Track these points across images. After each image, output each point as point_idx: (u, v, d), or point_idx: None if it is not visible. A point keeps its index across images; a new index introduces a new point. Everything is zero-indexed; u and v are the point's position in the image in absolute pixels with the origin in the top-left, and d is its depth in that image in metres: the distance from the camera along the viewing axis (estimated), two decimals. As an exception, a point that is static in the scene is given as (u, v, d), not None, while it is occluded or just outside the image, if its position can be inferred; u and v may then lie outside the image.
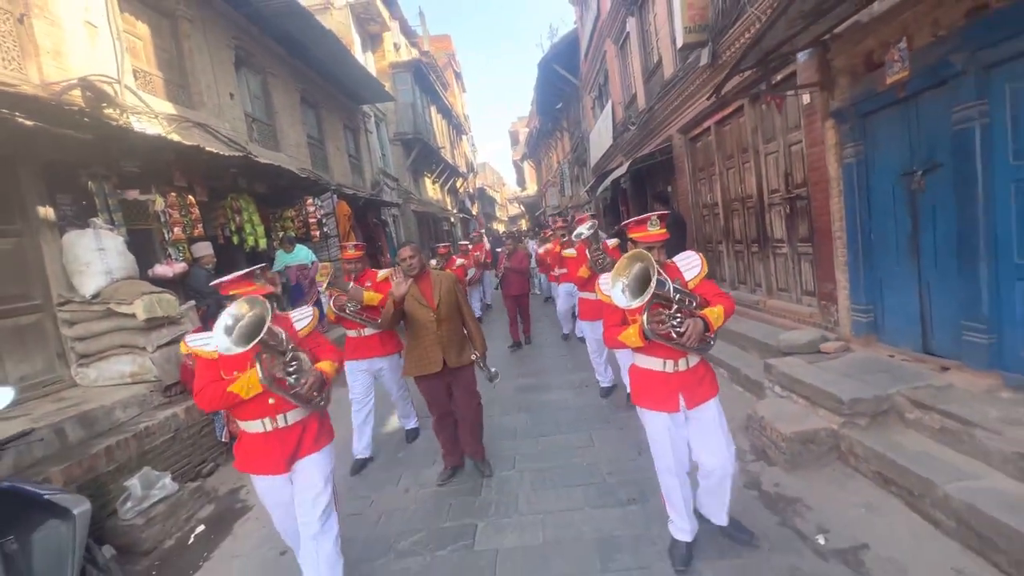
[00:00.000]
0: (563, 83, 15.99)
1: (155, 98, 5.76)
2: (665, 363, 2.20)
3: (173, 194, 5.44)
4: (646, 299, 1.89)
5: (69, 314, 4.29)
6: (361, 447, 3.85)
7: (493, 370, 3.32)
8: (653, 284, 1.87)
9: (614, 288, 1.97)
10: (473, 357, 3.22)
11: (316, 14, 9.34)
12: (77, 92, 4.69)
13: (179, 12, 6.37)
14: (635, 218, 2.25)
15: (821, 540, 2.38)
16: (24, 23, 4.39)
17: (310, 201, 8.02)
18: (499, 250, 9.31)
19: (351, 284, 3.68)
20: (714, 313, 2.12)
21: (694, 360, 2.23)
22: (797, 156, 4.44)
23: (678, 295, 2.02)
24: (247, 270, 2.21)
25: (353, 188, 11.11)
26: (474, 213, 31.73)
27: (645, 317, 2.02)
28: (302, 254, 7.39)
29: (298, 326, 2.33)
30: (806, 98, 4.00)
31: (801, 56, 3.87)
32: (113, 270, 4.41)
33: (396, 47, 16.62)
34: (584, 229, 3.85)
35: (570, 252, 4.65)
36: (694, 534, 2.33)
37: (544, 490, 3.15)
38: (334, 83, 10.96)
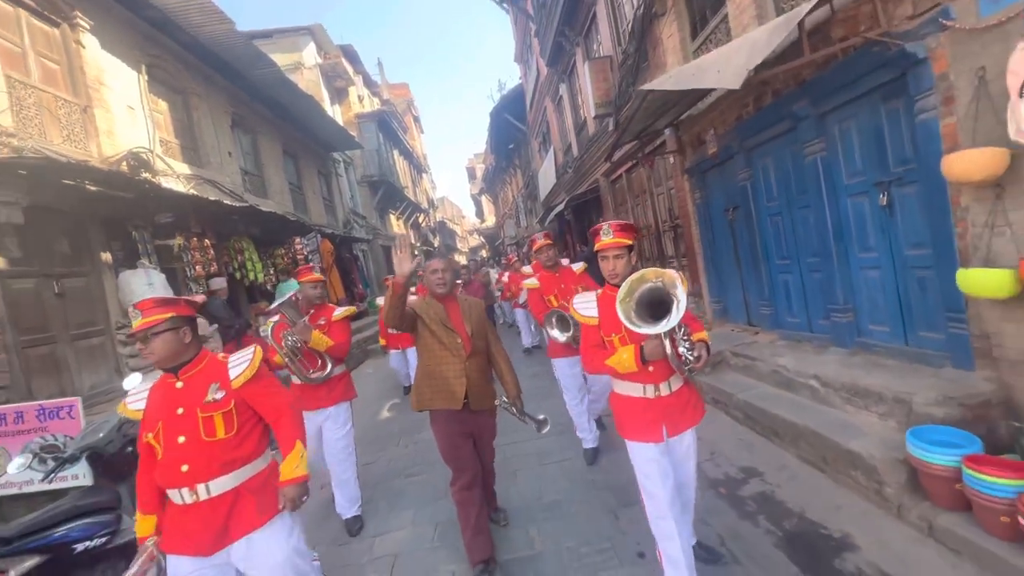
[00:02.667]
0: (513, 128, 18.02)
1: (175, 160, 7.02)
2: (646, 388, 2.02)
3: (194, 238, 6.67)
4: (674, 322, 1.74)
5: (124, 336, 5.41)
6: (347, 503, 3.22)
7: (541, 417, 2.67)
8: (682, 301, 1.72)
9: (625, 316, 1.82)
10: (498, 402, 2.66)
11: (288, 73, 10.73)
12: (121, 161, 5.94)
13: (189, 89, 7.70)
14: (596, 227, 2.17)
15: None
16: (87, 112, 5.64)
17: (297, 240, 9.30)
18: (457, 281, 10.65)
19: (304, 319, 3.08)
20: (704, 336, 2.06)
21: (677, 383, 2.05)
22: (674, 198, 6.25)
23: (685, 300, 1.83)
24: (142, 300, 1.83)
25: (328, 227, 12.40)
26: (436, 245, 33.18)
27: (662, 341, 1.87)
28: (293, 286, 8.62)
29: (233, 373, 1.87)
30: (672, 159, 5.83)
31: (667, 131, 5.70)
32: (159, 300, 5.58)
33: (360, 99, 18.26)
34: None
35: (531, 283, 3.82)
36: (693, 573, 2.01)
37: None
38: (309, 136, 12.38)
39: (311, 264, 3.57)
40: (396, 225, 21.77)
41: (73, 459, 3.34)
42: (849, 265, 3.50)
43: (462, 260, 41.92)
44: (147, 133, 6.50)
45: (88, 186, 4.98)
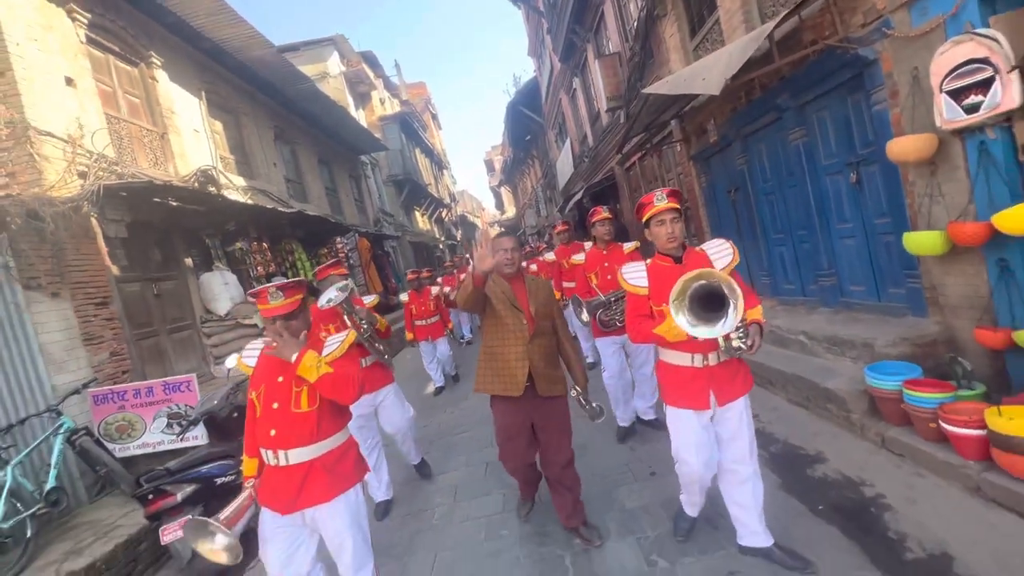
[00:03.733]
0: (530, 120, 18.54)
1: (232, 175, 7.90)
2: (694, 357, 2.01)
3: (254, 243, 7.56)
4: (731, 325, 1.70)
5: (208, 328, 6.33)
6: (382, 489, 3.38)
7: (596, 405, 2.62)
8: (740, 304, 1.67)
9: (679, 317, 1.77)
10: (573, 393, 2.59)
11: (316, 83, 11.49)
12: (192, 179, 6.83)
13: (240, 109, 8.58)
14: (646, 197, 2.15)
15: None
16: (164, 138, 6.54)
17: (338, 240, 10.17)
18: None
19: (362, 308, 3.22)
20: (759, 314, 2.01)
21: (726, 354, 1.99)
22: (682, 182, 6.77)
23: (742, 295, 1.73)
24: (264, 287, 2.00)
25: (362, 226, 13.27)
26: (458, 238, 34.06)
27: (728, 338, 1.87)
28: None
29: (326, 351, 2.03)
30: (678, 147, 6.35)
31: (672, 122, 6.22)
32: (234, 297, 6.49)
33: (382, 102, 19.08)
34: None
35: (578, 258, 4.00)
36: (698, 510, 2.36)
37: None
38: (340, 142, 13.23)
39: (333, 260, 3.64)
40: (421, 221, 22.64)
41: (195, 422, 4.20)
42: (831, 235, 4.03)
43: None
44: (210, 152, 7.39)
45: (171, 202, 5.86)
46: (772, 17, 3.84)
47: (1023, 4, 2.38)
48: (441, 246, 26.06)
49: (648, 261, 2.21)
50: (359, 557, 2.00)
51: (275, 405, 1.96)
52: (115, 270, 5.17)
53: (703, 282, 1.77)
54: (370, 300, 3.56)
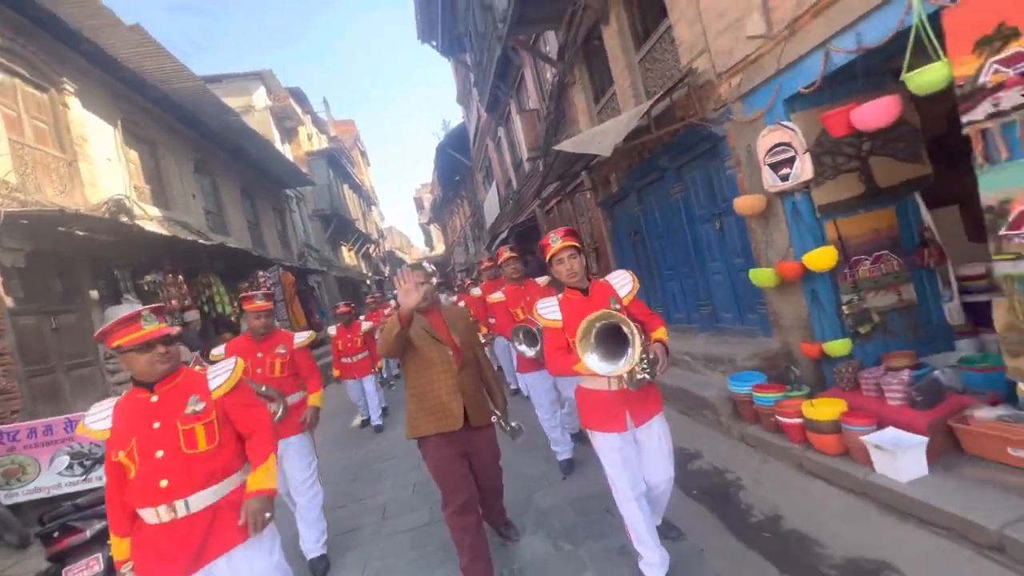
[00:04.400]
0: (458, 162, 19.35)
1: (147, 205, 7.61)
2: (610, 381, 2.11)
3: (168, 275, 7.27)
4: (635, 359, 1.84)
5: (112, 365, 5.95)
6: (313, 540, 3.01)
7: (515, 424, 2.69)
8: (637, 341, 1.81)
9: (587, 357, 1.90)
10: (494, 418, 2.62)
11: (241, 115, 11.32)
12: (104, 208, 6.54)
13: (158, 139, 8.36)
14: (543, 240, 2.34)
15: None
16: (72, 166, 6.26)
17: (260, 273, 9.92)
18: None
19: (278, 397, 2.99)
20: (662, 333, 2.21)
21: None
22: (593, 224, 7.63)
23: (639, 331, 1.87)
24: (130, 313, 1.80)
25: (285, 260, 12.96)
26: (386, 274, 33.67)
27: (632, 372, 1.96)
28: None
29: (213, 384, 1.89)
30: (588, 195, 7.22)
31: (583, 173, 7.09)
32: (145, 331, 6.18)
33: (309, 137, 19.02)
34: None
35: (496, 296, 3.97)
36: (666, 566, 2.19)
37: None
38: (264, 175, 13.03)
39: (253, 293, 3.17)
40: (348, 256, 22.30)
41: (98, 461, 4.03)
42: (706, 272, 4.89)
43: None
44: (123, 181, 7.12)
45: (78, 232, 5.61)
46: (654, 94, 4.75)
47: (814, 106, 3.31)
48: (368, 282, 25.63)
49: (559, 296, 2.33)
50: None
51: (159, 453, 1.74)
52: (9, 302, 4.83)
53: (604, 322, 1.91)
54: (303, 338, 3.32)
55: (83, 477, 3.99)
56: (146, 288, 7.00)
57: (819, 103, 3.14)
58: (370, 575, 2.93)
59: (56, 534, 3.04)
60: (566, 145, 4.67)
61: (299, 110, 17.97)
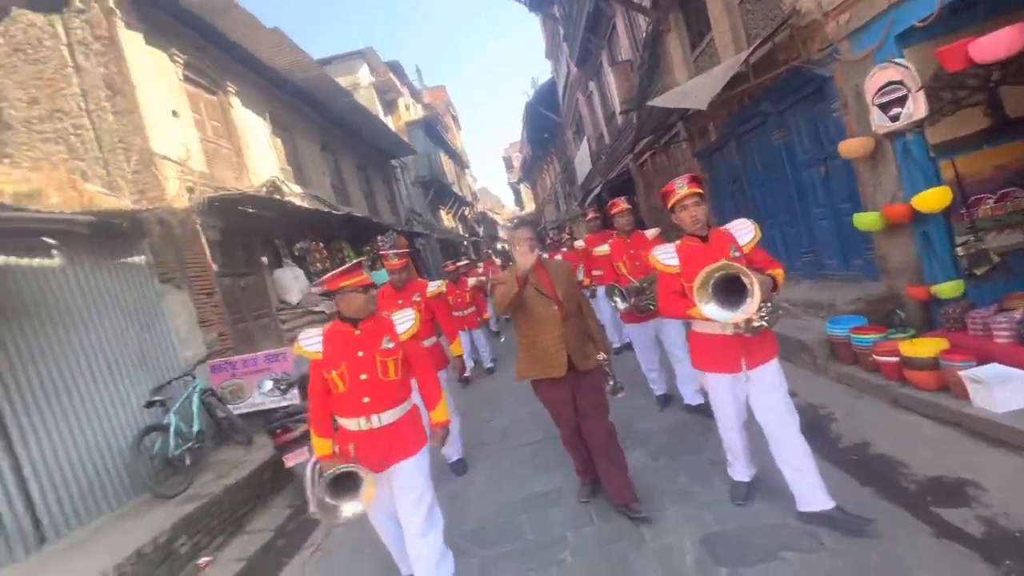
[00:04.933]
0: (548, 119, 19.35)
1: (291, 184, 9.02)
2: (725, 327, 2.16)
3: (312, 243, 8.67)
4: (752, 310, 1.90)
5: (283, 316, 7.44)
6: (453, 452, 3.73)
7: (618, 382, 2.76)
8: (756, 291, 1.86)
9: (705, 306, 1.98)
10: (601, 358, 2.71)
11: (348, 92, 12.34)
12: (264, 189, 7.94)
13: (293, 126, 9.71)
14: (666, 187, 2.36)
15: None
16: (239, 155, 7.67)
17: (379, 238, 11.24)
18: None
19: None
20: (778, 274, 2.18)
21: None
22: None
23: (758, 282, 1.92)
24: (352, 263, 2.25)
25: (396, 226, 14.37)
26: (480, 235, 35.13)
27: (753, 317, 2.00)
28: (382, 276, 10.59)
29: (399, 328, 2.27)
30: (684, 145, 7.16)
31: (679, 124, 7.03)
32: (303, 289, 7.60)
33: (407, 107, 20.18)
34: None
35: (602, 249, 4.02)
36: (752, 475, 2.49)
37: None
38: (374, 149, 14.34)
39: (386, 252, 3.78)
40: (447, 219, 23.73)
41: (292, 385, 5.26)
42: (809, 218, 4.83)
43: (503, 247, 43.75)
44: (274, 165, 8.51)
45: (248, 210, 6.97)
46: (755, 37, 4.65)
47: (929, 39, 3.17)
48: (465, 242, 27.11)
49: (677, 243, 2.37)
50: (432, 509, 2.27)
51: (363, 376, 2.15)
52: (214, 267, 6.29)
53: (723, 273, 1.96)
54: (434, 287, 3.83)
55: (281, 397, 5.30)
56: (297, 254, 8.45)
57: (934, 36, 3.02)
58: (500, 474, 3.70)
59: (278, 431, 4.22)
60: (660, 101, 4.81)
61: (397, 82, 19.09)
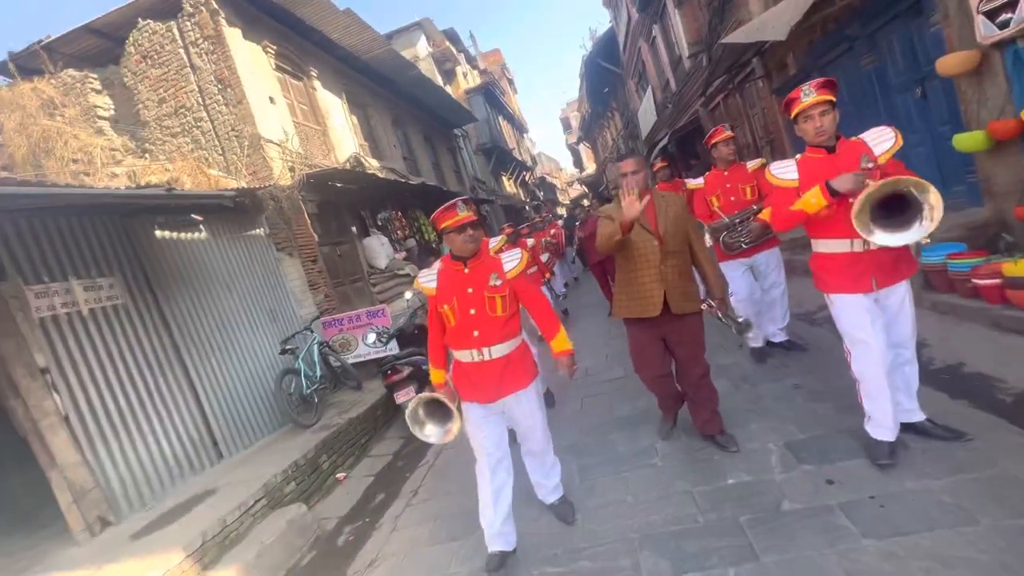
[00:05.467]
0: (608, 72, 18.68)
1: (370, 158, 9.68)
2: (853, 243, 1.98)
3: (393, 213, 9.32)
4: (932, 228, 1.73)
5: (373, 280, 8.20)
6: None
7: (743, 319, 2.64)
8: (936, 205, 1.70)
9: (873, 235, 1.80)
10: (705, 306, 2.57)
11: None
12: (347, 163, 8.62)
13: (367, 103, 10.30)
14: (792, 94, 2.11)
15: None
16: (325, 134, 8.36)
17: (450, 206, 11.78)
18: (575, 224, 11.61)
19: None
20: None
21: None
22: (767, 116, 7.22)
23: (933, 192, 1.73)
24: (451, 202, 2.26)
25: (463, 194, 14.86)
26: (541, 198, 35.06)
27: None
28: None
29: (507, 267, 2.30)
30: (760, 83, 6.83)
31: (754, 60, 6.70)
32: (389, 255, 8.29)
33: (465, 75, 20.32)
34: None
35: (696, 182, 3.73)
36: (896, 433, 2.13)
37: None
38: (438, 119, 14.76)
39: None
40: (508, 185, 23.96)
41: (392, 336, 5.90)
42: (905, 145, 4.53)
43: (562, 212, 43.25)
44: (353, 141, 9.16)
45: (337, 184, 7.65)
46: (841, -45, 4.35)
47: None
48: (527, 207, 27.29)
49: (798, 156, 2.19)
50: (545, 431, 2.45)
51: (472, 311, 2.25)
52: (316, 237, 7.06)
53: (885, 192, 1.75)
54: (496, 242, 3.85)
55: (383, 348, 5.99)
56: (380, 223, 9.16)
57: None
58: (588, 402, 4.07)
59: (388, 372, 4.86)
60: (736, 36, 4.69)
61: (454, 51, 19.22)
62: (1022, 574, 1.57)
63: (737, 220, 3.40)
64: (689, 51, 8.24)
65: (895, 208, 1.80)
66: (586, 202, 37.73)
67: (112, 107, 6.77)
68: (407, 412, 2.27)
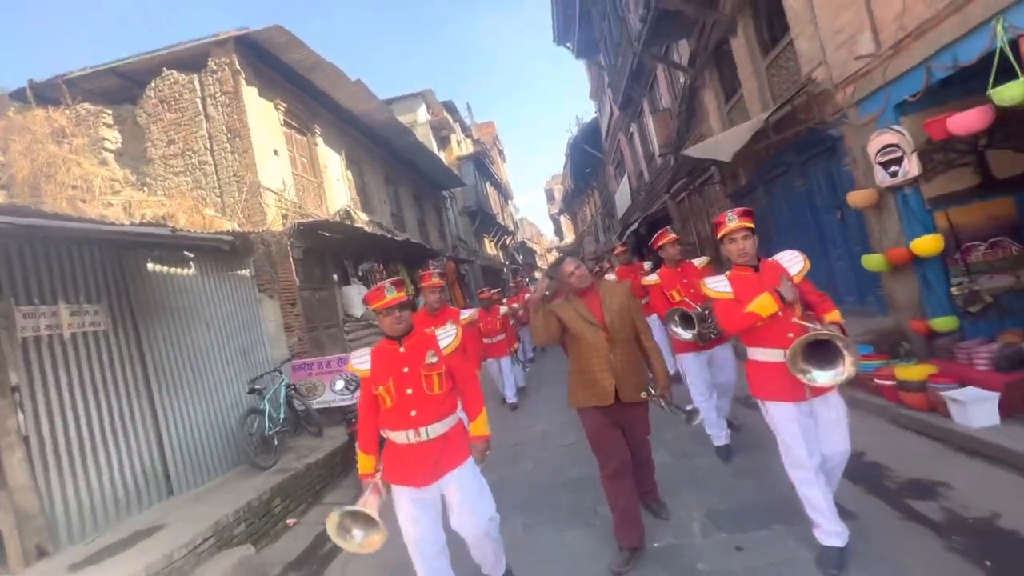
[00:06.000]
0: (590, 156, 20.30)
1: (359, 212, 10.17)
2: (785, 353, 2.07)
3: (375, 264, 9.70)
4: (851, 369, 1.97)
5: (348, 327, 8.39)
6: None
7: (690, 407, 2.71)
8: (849, 353, 1.95)
9: (806, 376, 2.02)
10: (645, 394, 2.61)
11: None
12: (337, 215, 9.07)
13: (362, 160, 10.97)
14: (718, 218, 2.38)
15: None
16: (320, 187, 8.85)
17: (431, 262, 12.25)
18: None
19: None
20: (836, 315, 2.23)
21: None
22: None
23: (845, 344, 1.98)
24: (380, 284, 2.29)
25: (446, 252, 15.43)
26: (520, 262, 36.14)
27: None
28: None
29: (442, 344, 2.32)
30: (718, 187, 7.75)
31: (712, 168, 7.66)
32: (365, 305, 8.55)
33: (458, 143, 21.68)
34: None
35: (651, 279, 3.93)
36: (846, 539, 2.20)
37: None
38: (428, 181, 15.61)
39: (430, 271, 3.56)
40: (489, 247, 24.84)
41: (358, 386, 6.07)
42: (828, 259, 5.30)
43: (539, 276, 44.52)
44: (346, 195, 9.69)
45: (325, 233, 8.04)
46: (779, 97, 5.29)
47: (922, 110, 3.72)
48: (505, 270, 28.11)
49: (727, 273, 2.40)
50: (488, 500, 2.38)
51: (409, 391, 2.23)
52: (297, 281, 7.32)
53: (809, 339, 1.99)
54: (467, 315, 4.23)
55: (352, 395, 6.11)
56: (360, 274, 9.48)
57: (928, 107, 3.58)
58: (539, 467, 4.30)
59: (352, 421, 5.00)
60: (692, 151, 5.49)
61: (451, 120, 20.65)
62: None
63: (707, 310, 3.41)
64: (660, 151, 9.30)
65: (818, 349, 2.06)
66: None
67: (120, 141, 7.14)
68: (330, 526, 2.10)
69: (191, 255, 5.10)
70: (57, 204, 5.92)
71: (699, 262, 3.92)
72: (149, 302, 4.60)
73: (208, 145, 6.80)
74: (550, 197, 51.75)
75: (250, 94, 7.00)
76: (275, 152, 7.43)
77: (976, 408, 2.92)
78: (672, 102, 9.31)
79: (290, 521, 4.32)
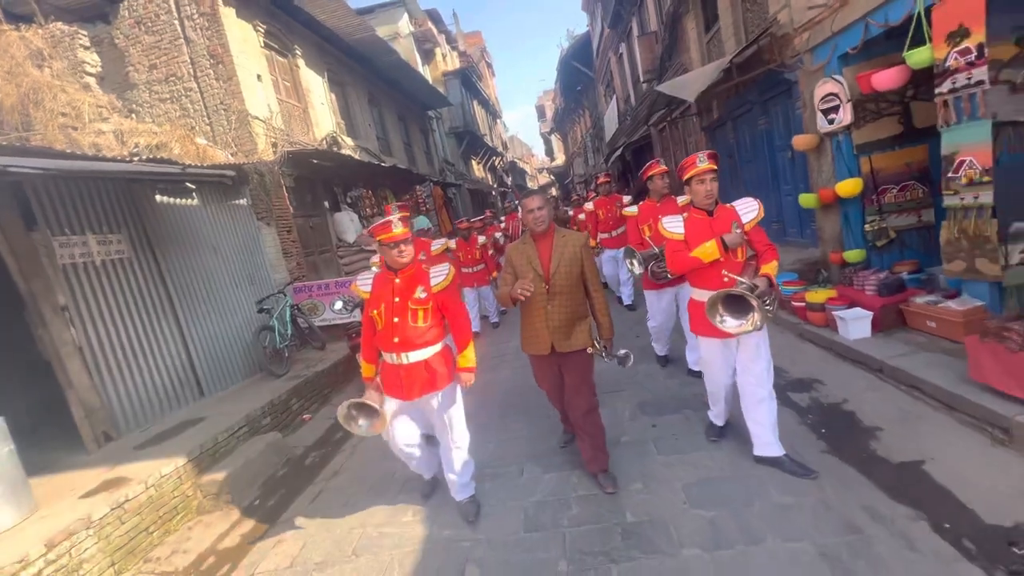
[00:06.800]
0: (581, 74, 19.62)
1: (345, 137, 10.24)
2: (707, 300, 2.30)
3: (363, 191, 10.00)
4: (756, 323, 2.22)
5: (341, 252, 8.92)
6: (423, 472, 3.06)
7: (622, 352, 2.73)
8: (757, 309, 2.20)
9: (719, 322, 2.28)
10: (590, 350, 2.67)
11: (389, 41, 13.06)
12: (324, 141, 9.20)
13: (346, 82, 10.78)
14: (688, 158, 2.53)
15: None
16: (305, 112, 8.89)
17: (418, 188, 12.49)
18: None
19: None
20: (771, 268, 2.38)
21: None
22: (699, 147, 8.44)
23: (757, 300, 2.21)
24: (388, 218, 2.44)
25: (432, 176, 15.52)
26: (508, 184, 35.82)
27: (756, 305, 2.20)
28: (423, 221, 11.90)
29: (434, 281, 2.49)
30: (694, 119, 8.01)
31: (689, 99, 7.85)
32: (357, 230, 9.02)
33: (444, 57, 20.66)
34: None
35: (631, 210, 4.05)
36: (724, 419, 2.94)
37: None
38: (413, 100, 15.25)
39: (388, 220, 3.70)
40: (477, 169, 24.63)
41: (356, 305, 6.75)
42: (780, 194, 5.84)
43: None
44: (331, 120, 9.71)
45: (314, 160, 8.26)
46: (752, 32, 5.49)
47: (861, 61, 4.08)
48: (494, 192, 28.06)
49: (685, 215, 2.58)
50: (463, 431, 2.68)
51: (395, 319, 2.45)
52: (291, 209, 7.72)
53: (727, 294, 2.25)
54: (439, 245, 4.59)
55: (350, 314, 6.82)
56: (350, 200, 9.81)
57: (868, 59, 3.94)
58: (519, 372, 5.13)
59: (353, 335, 5.74)
60: (663, 88, 5.77)
61: (435, 31, 19.52)
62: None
63: (660, 252, 3.46)
64: (643, 77, 9.32)
65: (737, 300, 2.32)
66: (554, 191, 38.87)
67: (99, 64, 7.09)
68: (340, 414, 2.45)
69: (192, 187, 5.48)
70: (50, 133, 6.10)
71: (682, 199, 3.75)
72: (161, 231, 5.08)
73: (191, 71, 6.82)
74: (541, 114, 49.80)
75: (228, 15, 6.88)
76: (258, 77, 7.44)
77: (854, 324, 3.67)
78: (659, 26, 9.17)
79: (306, 416, 5.19)
